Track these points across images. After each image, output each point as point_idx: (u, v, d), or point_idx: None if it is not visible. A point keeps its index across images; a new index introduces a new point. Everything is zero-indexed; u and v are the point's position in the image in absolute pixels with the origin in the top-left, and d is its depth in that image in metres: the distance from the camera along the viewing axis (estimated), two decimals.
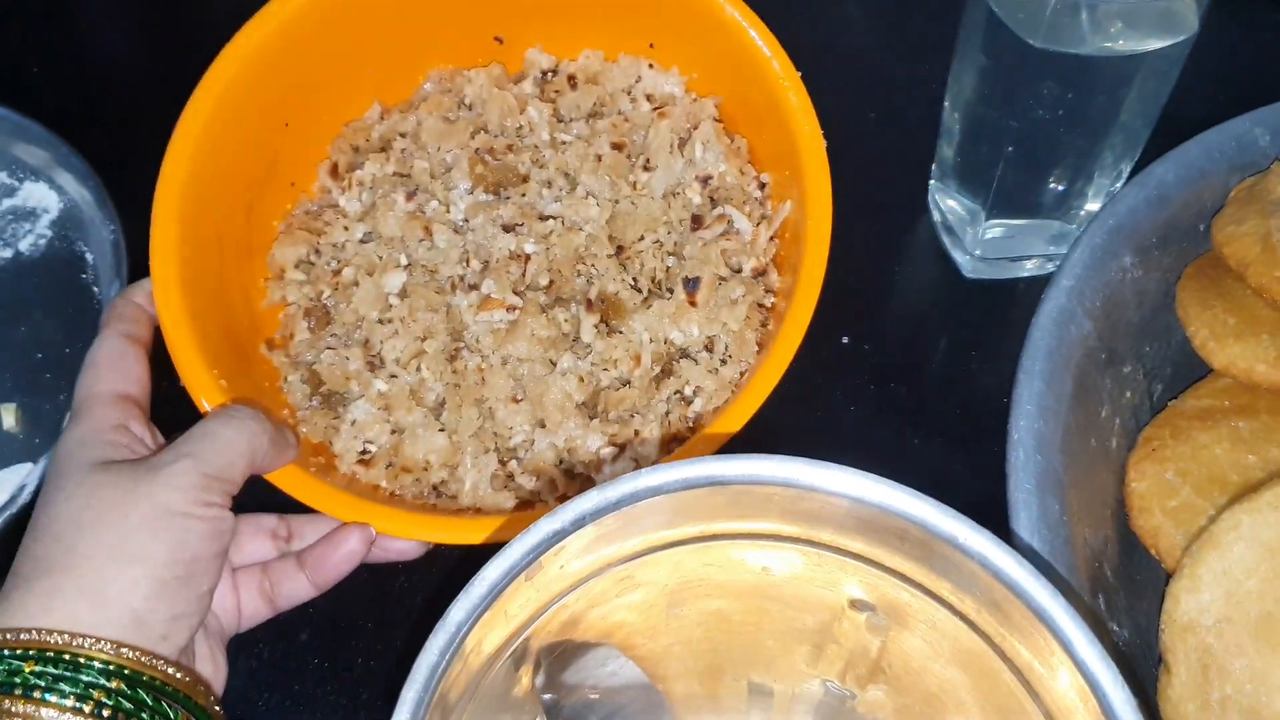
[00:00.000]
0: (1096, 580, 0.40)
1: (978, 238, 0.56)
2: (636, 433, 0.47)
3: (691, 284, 0.48)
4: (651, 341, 0.48)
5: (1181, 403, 0.45)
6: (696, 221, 0.50)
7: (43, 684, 0.32)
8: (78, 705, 0.32)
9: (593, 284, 0.49)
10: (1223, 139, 0.47)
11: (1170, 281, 0.46)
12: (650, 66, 0.53)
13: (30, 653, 0.33)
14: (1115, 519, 0.43)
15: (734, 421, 0.42)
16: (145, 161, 0.46)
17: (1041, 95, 0.49)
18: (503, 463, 0.47)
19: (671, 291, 0.49)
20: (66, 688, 0.32)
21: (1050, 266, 0.58)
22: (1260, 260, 0.41)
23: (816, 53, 0.67)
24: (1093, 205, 0.55)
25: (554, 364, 0.48)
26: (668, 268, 0.50)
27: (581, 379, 0.47)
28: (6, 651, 0.33)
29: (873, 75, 0.66)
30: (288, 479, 0.42)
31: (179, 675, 0.35)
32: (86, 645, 0.33)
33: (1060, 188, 0.54)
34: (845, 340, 0.56)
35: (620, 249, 0.50)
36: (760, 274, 0.50)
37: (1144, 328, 0.46)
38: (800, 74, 0.49)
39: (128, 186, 0.54)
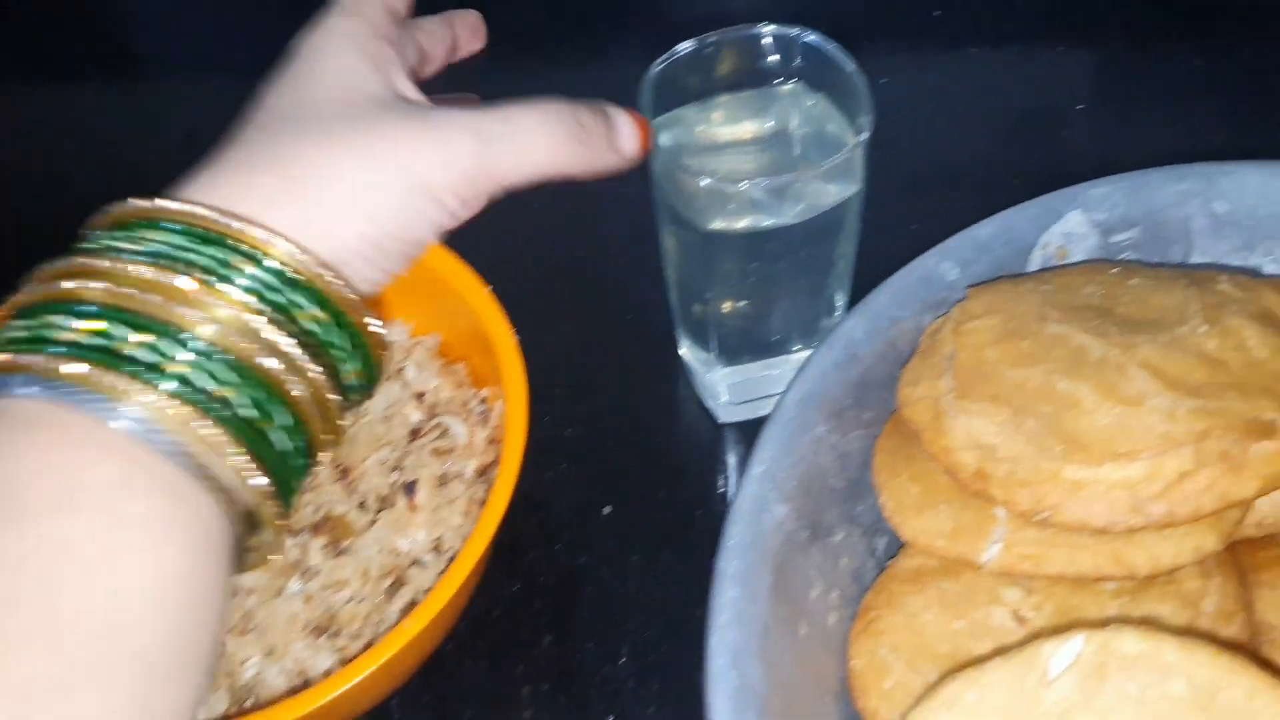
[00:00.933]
0: None
1: (719, 385, 0.55)
2: (369, 645, 0.47)
3: (409, 488, 0.49)
4: (380, 553, 0.48)
5: (897, 563, 0.44)
6: (415, 433, 0.51)
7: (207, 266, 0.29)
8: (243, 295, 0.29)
9: (320, 510, 0.49)
10: (909, 280, 0.47)
11: (875, 435, 0.46)
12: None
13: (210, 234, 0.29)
14: (839, 701, 0.42)
15: (420, 620, 0.42)
16: None
17: (728, 268, 0.49)
18: (238, 703, 0.46)
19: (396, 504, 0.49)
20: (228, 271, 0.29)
21: None
22: (931, 427, 0.41)
23: (566, 201, 0.68)
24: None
25: (281, 591, 0.48)
26: (391, 483, 0.50)
27: (309, 598, 0.47)
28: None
29: (625, 220, 0.65)
30: None
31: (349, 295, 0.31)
32: (247, 230, 0.29)
33: (789, 323, 0.54)
34: (607, 511, 0.55)
35: (346, 471, 0.50)
36: (483, 473, 0.50)
37: (852, 490, 0.45)
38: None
39: None
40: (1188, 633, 0.38)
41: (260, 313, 0.29)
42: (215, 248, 0.29)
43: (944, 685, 0.37)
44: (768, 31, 0.48)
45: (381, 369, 0.33)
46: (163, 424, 0.27)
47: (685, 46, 0.47)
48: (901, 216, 0.65)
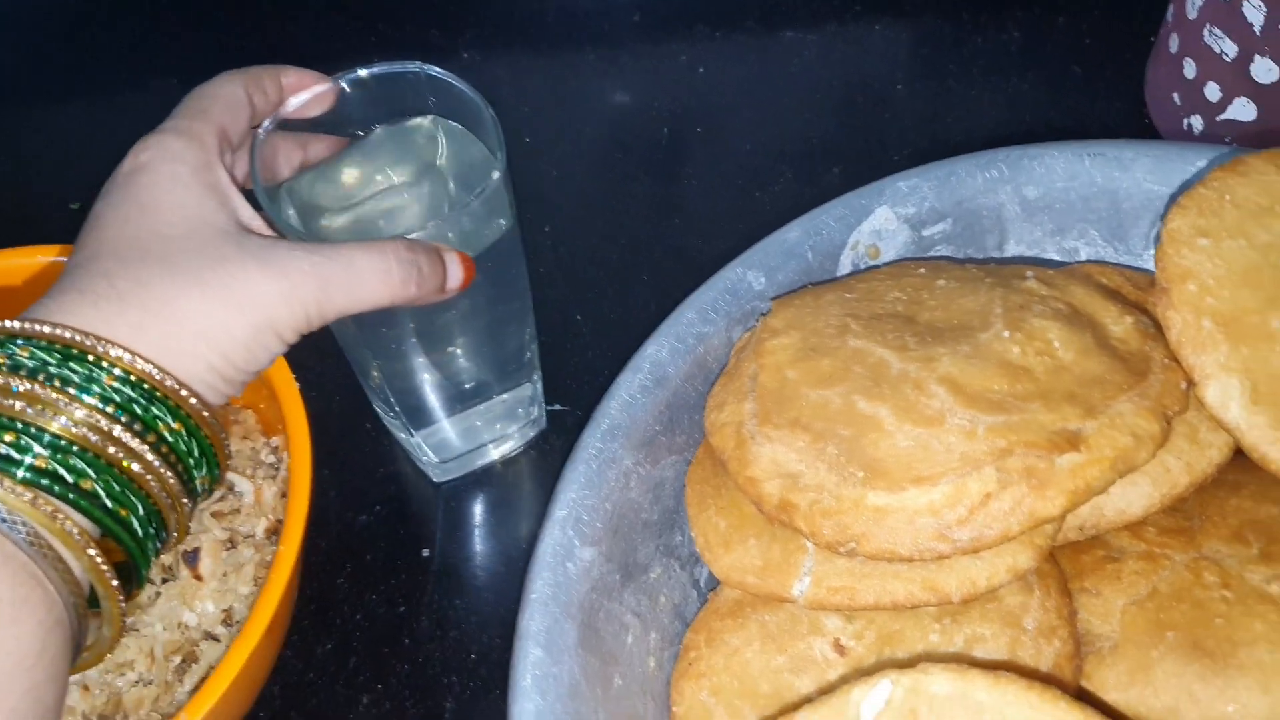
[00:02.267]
0: None
1: (423, 445, 0.51)
2: None
3: (191, 556, 0.45)
4: (165, 631, 0.44)
5: (718, 595, 0.42)
6: None
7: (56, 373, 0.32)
8: (94, 403, 0.32)
9: None
10: (715, 294, 0.45)
11: (689, 460, 0.44)
12: None
13: (55, 347, 0.32)
14: None
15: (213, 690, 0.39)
16: None
17: (394, 331, 0.45)
18: None
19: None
20: (77, 378, 0.32)
21: (532, 431, 0.54)
22: (735, 456, 0.38)
23: None
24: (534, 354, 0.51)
25: None
26: (181, 551, 0.46)
27: (87, 688, 0.43)
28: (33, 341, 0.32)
29: None
30: None
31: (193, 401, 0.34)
32: (109, 350, 0.32)
33: (481, 371, 0.49)
34: (425, 554, 0.52)
35: None
36: (274, 533, 0.46)
37: (668, 520, 0.43)
38: None
39: None
40: (1007, 659, 0.36)
41: (121, 421, 0.32)
42: (81, 364, 0.32)
43: None
44: (383, 71, 0.43)
45: (224, 474, 0.37)
46: (16, 510, 0.30)
47: (296, 101, 0.42)
48: (724, 209, 0.63)
